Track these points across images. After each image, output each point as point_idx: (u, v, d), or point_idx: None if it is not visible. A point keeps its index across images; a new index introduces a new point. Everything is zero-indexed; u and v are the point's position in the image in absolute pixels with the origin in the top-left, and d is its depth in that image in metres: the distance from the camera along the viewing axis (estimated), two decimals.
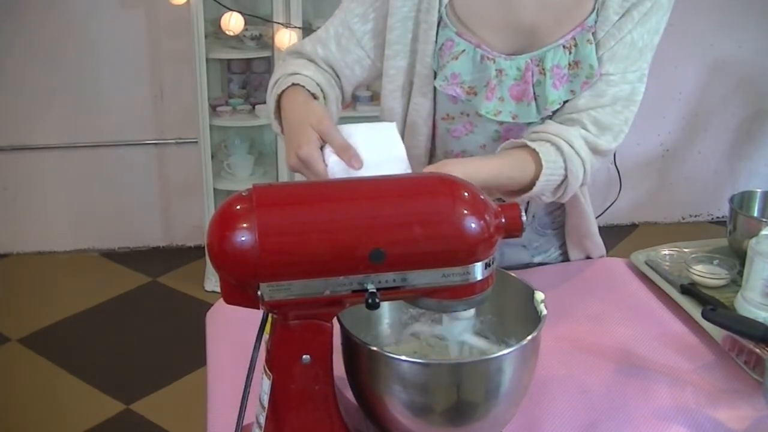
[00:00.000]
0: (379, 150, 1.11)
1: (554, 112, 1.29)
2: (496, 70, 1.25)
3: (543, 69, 1.25)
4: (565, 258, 1.53)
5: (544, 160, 1.18)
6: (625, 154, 3.75)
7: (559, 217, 1.49)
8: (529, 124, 1.29)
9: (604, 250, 1.54)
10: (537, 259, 1.51)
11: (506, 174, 1.18)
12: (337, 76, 1.32)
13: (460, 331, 0.99)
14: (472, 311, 0.97)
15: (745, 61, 3.72)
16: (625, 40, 1.25)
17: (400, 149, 1.11)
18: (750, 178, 3.91)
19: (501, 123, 1.30)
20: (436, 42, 1.27)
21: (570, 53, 1.25)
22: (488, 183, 1.13)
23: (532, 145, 1.20)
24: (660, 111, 3.77)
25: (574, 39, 1.25)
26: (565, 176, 1.22)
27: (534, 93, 1.26)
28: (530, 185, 1.19)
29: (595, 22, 1.25)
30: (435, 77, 1.28)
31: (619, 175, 3.75)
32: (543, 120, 1.28)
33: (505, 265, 1.45)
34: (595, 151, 1.26)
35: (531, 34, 1.25)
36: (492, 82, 1.25)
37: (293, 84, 1.22)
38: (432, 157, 1.38)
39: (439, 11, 1.25)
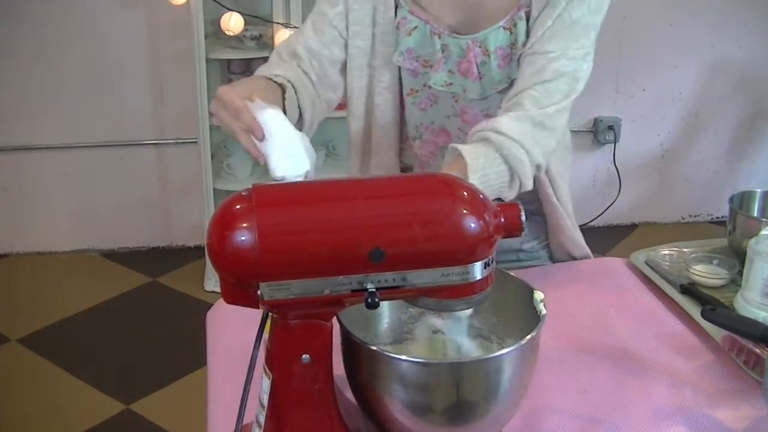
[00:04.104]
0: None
1: (503, 92, 1.33)
2: (441, 45, 1.33)
3: (487, 50, 1.31)
4: (548, 249, 1.55)
5: (468, 158, 1.18)
6: (625, 154, 3.75)
7: (532, 203, 1.48)
8: (481, 99, 1.35)
9: (574, 227, 1.52)
10: (526, 246, 1.54)
11: None
12: (320, 70, 1.37)
13: (458, 331, 0.99)
14: (468, 311, 0.97)
15: (745, 62, 3.72)
16: (563, 17, 1.26)
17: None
18: (750, 178, 3.91)
19: (456, 99, 1.37)
20: (395, 22, 1.36)
21: (511, 33, 1.30)
22: None
23: (459, 148, 1.20)
24: (660, 111, 3.77)
25: (513, 20, 1.30)
26: (507, 163, 1.21)
27: (479, 72, 1.32)
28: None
29: (530, 1, 1.29)
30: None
31: (618, 175, 3.75)
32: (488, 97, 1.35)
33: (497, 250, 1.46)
34: (540, 126, 1.24)
35: (476, 9, 1.32)
36: (438, 55, 1.33)
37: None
38: (401, 135, 1.44)
39: None
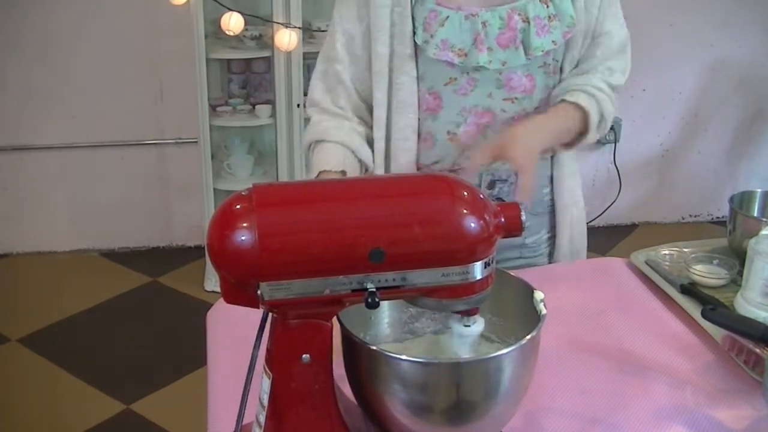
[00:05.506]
0: None
1: (542, 56, 1.40)
2: (481, 23, 1.36)
3: (527, 17, 1.36)
4: (553, 240, 1.57)
5: (588, 105, 1.40)
6: (625, 154, 3.75)
7: (547, 195, 1.54)
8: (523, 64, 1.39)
9: (585, 225, 1.60)
10: (529, 240, 1.55)
11: (565, 127, 1.41)
12: (365, 90, 1.43)
13: (463, 346, 0.99)
14: (479, 327, 0.97)
15: (745, 61, 3.72)
16: None
17: None
18: (750, 178, 3.91)
19: (501, 72, 1.40)
20: (413, 20, 1.37)
21: (547, 7, 1.37)
22: (555, 138, 1.40)
23: (572, 98, 1.40)
24: (660, 111, 3.78)
25: None
26: (601, 114, 1.43)
27: (520, 38, 1.37)
28: (583, 132, 1.42)
29: None
30: (416, 52, 1.38)
31: (618, 175, 3.75)
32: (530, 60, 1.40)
33: (500, 246, 1.47)
34: (614, 90, 1.47)
35: None
36: (480, 35, 1.36)
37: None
38: (419, 135, 1.45)
39: None
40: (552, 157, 1.53)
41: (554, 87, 1.46)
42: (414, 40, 1.38)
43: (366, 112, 1.45)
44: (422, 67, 1.40)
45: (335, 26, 1.43)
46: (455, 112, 1.43)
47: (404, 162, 1.45)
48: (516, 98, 1.42)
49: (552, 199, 1.54)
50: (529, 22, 1.36)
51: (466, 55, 1.37)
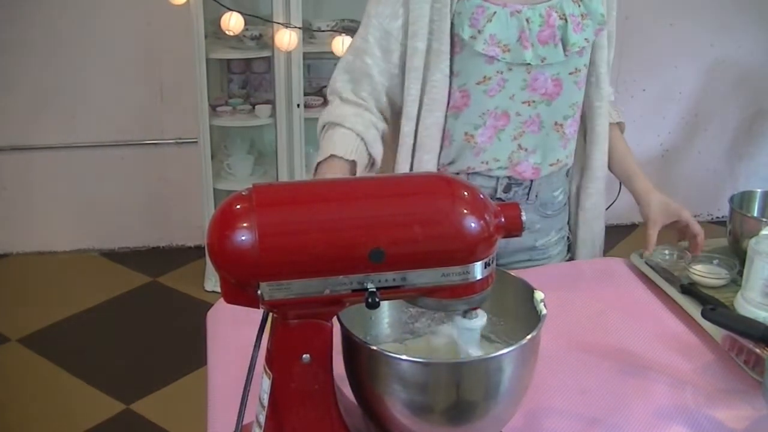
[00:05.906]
0: None
1: (574, 56, 1.44)
2: (524, 20, 1.38)
3: (563, 15, 1.39)
4: (564, 241, 1.59)
5: (621, 118, 1.69)
6: None
7: (558, 197, 1.55)
8: (552, 64, 1.42)
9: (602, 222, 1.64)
10: (539, 243, 1.55)
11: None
12: (391, 85, 1.43)
13: (468, 341, 0.98)
14: (482, 320, 0.96)
15: (745, 61, 3.72)
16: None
17: None
18: (750, 178, 3.91)
19: (529, 71, 1.40)
20: (451, 16, 1.37)
21: (579, 6, 1.42)
22: None
23: (613, 120, 1.67)
24: (660, 111, 3.77)
25: None
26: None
27: (559, 35, 1.40)
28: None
29: None
30: (452, 50, 1.38)
31: None
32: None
33: (510, 249, 1.50)
34: None
35: None
36: (525, 32, 1.38)
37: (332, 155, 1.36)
38: (444, 133, 1.45)
39: None
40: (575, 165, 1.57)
41: (577, 105, 1.48)
42: (450, 37, 1.38)
43: (386, 107, 1.45)
44: (458, 64, 1.40)
45: (370, 20, 1.42)
46: (477, 114, 1.43)
47: (427, 159, 1.45)
48: (533, 101, 1.43)
49: (569, 202, 1.58)
50: (566, 20, 1.39)
51: (509, 50, 1.38)
